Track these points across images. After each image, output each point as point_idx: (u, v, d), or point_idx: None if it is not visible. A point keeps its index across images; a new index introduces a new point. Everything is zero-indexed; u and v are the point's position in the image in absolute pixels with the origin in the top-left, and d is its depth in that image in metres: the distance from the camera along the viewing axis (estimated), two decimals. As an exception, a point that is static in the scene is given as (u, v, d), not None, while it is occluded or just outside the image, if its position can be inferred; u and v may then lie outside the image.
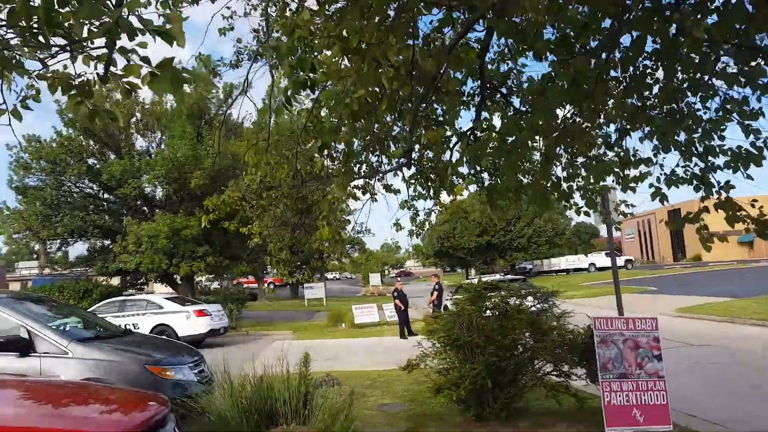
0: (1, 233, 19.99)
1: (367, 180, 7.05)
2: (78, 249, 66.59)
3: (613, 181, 7.02)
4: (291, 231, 7.28)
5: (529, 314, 7.43)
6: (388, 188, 7.39)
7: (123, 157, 20.83)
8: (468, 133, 6.99)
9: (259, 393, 6.00)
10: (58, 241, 21.00)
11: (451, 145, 7.01)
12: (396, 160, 7.00)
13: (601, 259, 52.87)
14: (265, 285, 47.77)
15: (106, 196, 22.51)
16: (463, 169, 7.60)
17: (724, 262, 51.23)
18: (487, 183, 7.36)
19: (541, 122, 4.99)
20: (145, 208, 22.06)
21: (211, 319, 16.55)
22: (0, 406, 3.25)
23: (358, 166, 6.70)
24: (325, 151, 5.00)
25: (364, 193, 7.02)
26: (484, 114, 6.88)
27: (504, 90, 7.16)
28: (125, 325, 16.37)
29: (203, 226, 7.11)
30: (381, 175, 6.83)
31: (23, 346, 5.58)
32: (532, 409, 7.44)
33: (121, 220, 20.64)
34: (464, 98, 6.60)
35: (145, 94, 25.72)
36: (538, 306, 7.74)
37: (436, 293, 17.98)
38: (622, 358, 6.18)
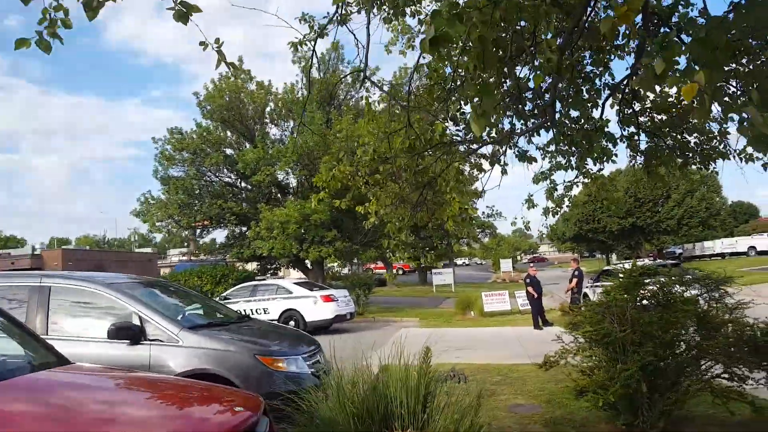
0: (146, 221, 21.73)
1: (498, 147, 6.04)
2: (219, 236, 72.39)
3: None
4: (411, 209, 6.52)
5: (696, 305, 6.00)
6: (522, 156, 6.31)
7: (257, 146, 21.65)
8: (624, 82, 5.68)
9: (374, 391, 5.31)
10: (199, 228, 22.50)
11: (601, 101, 5.76)
12: (532, 120, 5.91)
13: (763, 242, 45.68)
14: (394, 270, 48.11)
15: (243, 184, 23.68)
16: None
17: None
18: (645, 146, 6.01)
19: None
20: (279, 195, 22.83)
21: (337, 305, 16.54)
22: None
23: (487, 130, 5.70)
24: (444, 50, 4.03)
25: (492, 164, 6.05)
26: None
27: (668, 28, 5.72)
28: (256, 310, 17.11)
29: (313, 207, 6.67)
30: (515, 138, 5.79)
31: (134, 334, 5.36)
32: (696, 418, 6.12)
33: (257, 207, 21.47)
34: (618, 41, 5.32)
35: (278, 83, 26.58)
36: (706, 295, 6.24)
37: (575, 280, 16.26)
38: (818, 361, 4.94)
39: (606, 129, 5.31)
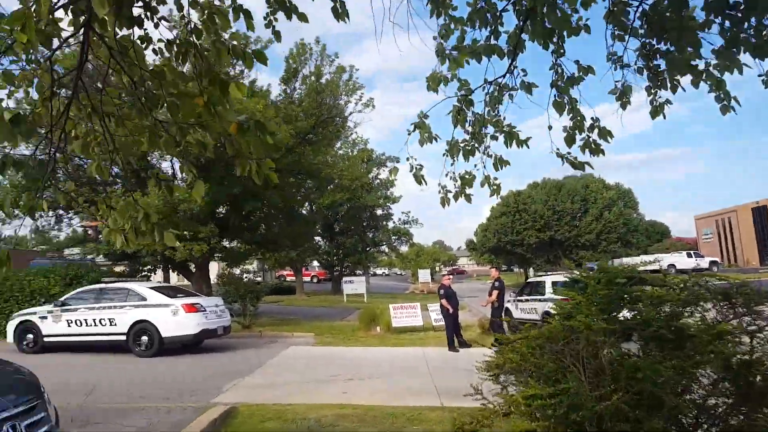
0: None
1: None
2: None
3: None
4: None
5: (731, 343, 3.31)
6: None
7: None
8: None
9: None
10: (45, 216, 17.90)
11: None
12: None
13: (683, 260, 45.80)
14: (307, 278, 44.56)
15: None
16: None
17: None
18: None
19: None
20: (142, 175, 18.53)
21: (204, 317, 12.93)
22: None
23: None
24: None
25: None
26: None
27: None
28: (99, 320, 13.16)
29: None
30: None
31: None
32: None
33: (107, 191, 17.08)
34: None
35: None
36: (735, 323, 3.56)
37: (496, 292, 13.66)
38: None
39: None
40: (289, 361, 11.82)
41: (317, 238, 37.85)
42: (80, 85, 3.44)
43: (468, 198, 4.61)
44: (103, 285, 14.16)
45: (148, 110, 3.69)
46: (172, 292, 13.79)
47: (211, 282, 19.66)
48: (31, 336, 13.39)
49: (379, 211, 41.69)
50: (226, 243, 19.28)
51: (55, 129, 3.47)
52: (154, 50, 3.71)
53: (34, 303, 15.21)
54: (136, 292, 13.23)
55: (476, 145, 4.14)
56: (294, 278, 41.66)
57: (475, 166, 4.53)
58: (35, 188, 3.24)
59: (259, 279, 41.53)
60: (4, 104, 3.32)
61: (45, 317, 13.38)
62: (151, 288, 13.52)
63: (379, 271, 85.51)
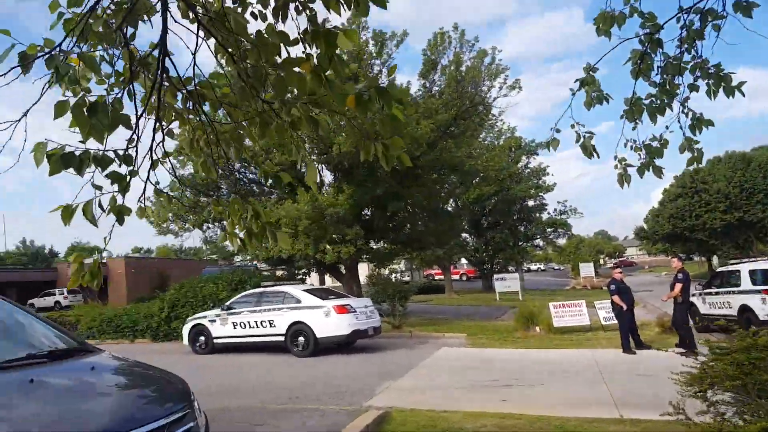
0: (152, 223, 18.56)
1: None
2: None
3: None
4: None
5: None
6: None
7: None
8: None
9: None
10: (218, 226, 19.46)
11: None
12: None
13: None
14: (455, 276, 43.81)
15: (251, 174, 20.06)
16: None
17: None
18: None
19: None
20: (292, 183, 19.15)
21: (355, 318, 12.87)
22: None
23: None
24: None
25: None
26: None
27: None
28: (260, 322, 13.76)
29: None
30: None
31: None
32: None
33: (260, 200, 18.04)
34: None
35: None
36: None
37: (679, 285, 11.57)
38: None
39: None
40: (441, 363, 11.22)
41: (464, 235, 36.88)
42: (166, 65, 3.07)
43: (658, 171, 3.57)
44: (262, 289, 14.84)
45: (254, 90, 3.17)
46: (324, 294, 14.00)
47: (361, 283, 19.87)
48: (202, 338, 14.48)
49: (530, 202, 39.43)
50: (372, 244, 19.34)
51: (147, 119, 3.16)
52: (252, 14, 3.17)
53: (206, 307, 16.48)
54: (292, 294, 13.61)
55: (666, 100, 3.07)
56: (442, 277, 41.13)
57: (667, 128, 3.48)
58: (120, 189, 2.88)
59: (407, 278, 41.75)
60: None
61: (214, 320, 14.36)
62: (305, 290, 13.83)
63: (533, 267, 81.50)
